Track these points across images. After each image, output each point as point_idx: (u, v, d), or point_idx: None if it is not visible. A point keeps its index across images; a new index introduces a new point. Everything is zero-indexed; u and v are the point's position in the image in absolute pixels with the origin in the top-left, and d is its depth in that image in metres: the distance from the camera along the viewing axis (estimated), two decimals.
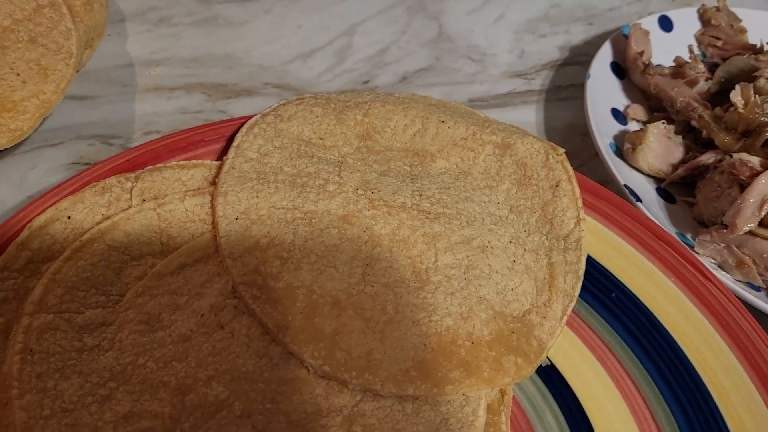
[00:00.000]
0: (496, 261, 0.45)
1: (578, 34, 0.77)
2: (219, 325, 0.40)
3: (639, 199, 0.54)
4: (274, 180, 0.47)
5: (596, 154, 0.58)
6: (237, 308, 0.41)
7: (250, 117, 0.52)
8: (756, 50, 0.67)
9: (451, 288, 0.43)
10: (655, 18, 0.71)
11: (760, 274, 0.52)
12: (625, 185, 0.55)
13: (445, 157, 0.53)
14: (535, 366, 0.41)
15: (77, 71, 0.59)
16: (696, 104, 0.61)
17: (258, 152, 0.50)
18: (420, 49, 0.72)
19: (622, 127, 0.63)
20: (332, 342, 0.39)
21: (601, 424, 0.42)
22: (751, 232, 0.52)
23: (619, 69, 0.67)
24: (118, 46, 0.66)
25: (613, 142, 0.61)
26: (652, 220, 0.51)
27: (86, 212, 0.45)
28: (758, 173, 0.52)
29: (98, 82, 0.63)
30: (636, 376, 0.44)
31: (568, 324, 0.46)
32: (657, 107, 0.65)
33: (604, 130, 0.60)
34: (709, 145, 0.59)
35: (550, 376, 0.44)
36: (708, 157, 0.57)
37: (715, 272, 0.48)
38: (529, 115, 0.67)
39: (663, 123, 0.61)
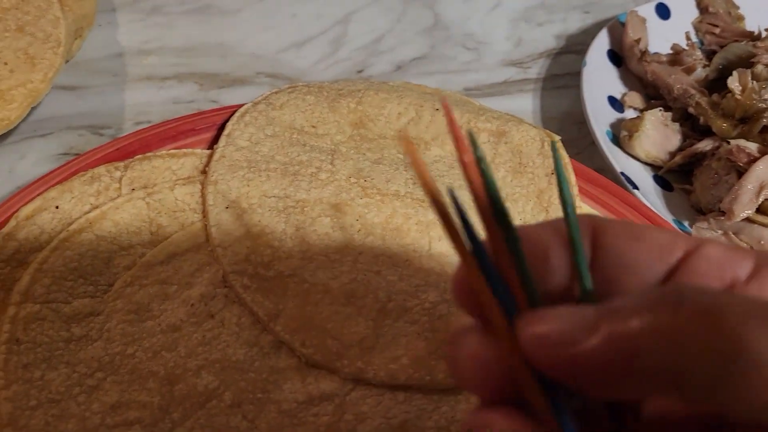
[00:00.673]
0: None
1: (575, 23, 0.76)
2: (209, 314, 0.40)
3: (636, 187, 0.53)
4: (265, 168, 0.47)
5: (593, 142, 0.58)
6: (227, 297, 0.41)
7: (241, 106, 0.52)
8: (754, 37, 0.66)
9: (444, 276, 0.42)
10: (652, 5, 0.70)
11: None
12: (622, 173, 0.54)
13: (439, 145, 0.52)
14: None
15: (67, 61, 0.58)
16: (693, 91, 0.60)
17: (249, 141, 0.49)
18: (415, 38, 0.71)
19: (618, 115, 0.62)
20: (324, 330, 0.39)
21: None
22: (748, 219, 0.51)
23: (615, 57, 0.67)
24: (108, 36, 0.65)
25: (609, 130, 0.60)
26: (650, 208, 0.50)
27: (74, 202, 0.44)
28: (756, 159, 0.52)
29: (88, 72, 0.62)
30: None
31: None
32: (654, 95, 0.65)
33: (600, 118, 0.59)
34: (707, 132, 0.58)
35: None
36: (705, 144, 0.57)
37: None
38: (525, 104, 0.66)
39: (660, 110, 0.60)
